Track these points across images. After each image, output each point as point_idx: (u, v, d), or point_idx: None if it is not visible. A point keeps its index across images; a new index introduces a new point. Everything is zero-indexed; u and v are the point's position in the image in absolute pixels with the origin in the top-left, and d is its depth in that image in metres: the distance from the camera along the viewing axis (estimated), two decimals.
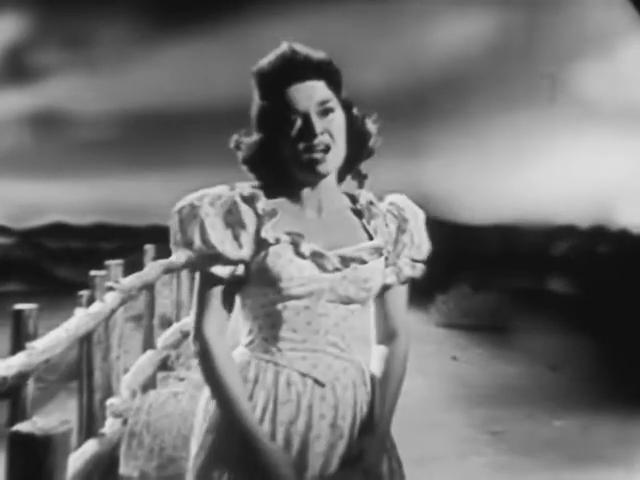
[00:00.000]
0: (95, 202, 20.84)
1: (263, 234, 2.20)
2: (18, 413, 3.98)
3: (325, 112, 2.21)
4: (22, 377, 3.98)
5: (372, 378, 2.35)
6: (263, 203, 2.23)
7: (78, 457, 4.97)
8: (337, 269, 2.22)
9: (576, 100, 20.01)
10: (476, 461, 6.32)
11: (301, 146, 2.18)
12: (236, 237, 2.20)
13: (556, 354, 10.77)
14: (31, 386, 4.23)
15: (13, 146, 21.34)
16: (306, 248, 2.21)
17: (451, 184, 19.68)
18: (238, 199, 2.22)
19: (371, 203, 2.34)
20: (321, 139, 2.18)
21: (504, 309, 13.18)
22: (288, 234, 2.21)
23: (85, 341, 5.71)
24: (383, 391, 2.34)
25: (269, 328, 2.24)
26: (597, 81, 19.14)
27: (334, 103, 2.23)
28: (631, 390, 8.75)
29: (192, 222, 2.19)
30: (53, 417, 1.76)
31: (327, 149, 2.20)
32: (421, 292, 11.91)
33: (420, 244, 2.39)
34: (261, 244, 2.20)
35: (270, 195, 2.25)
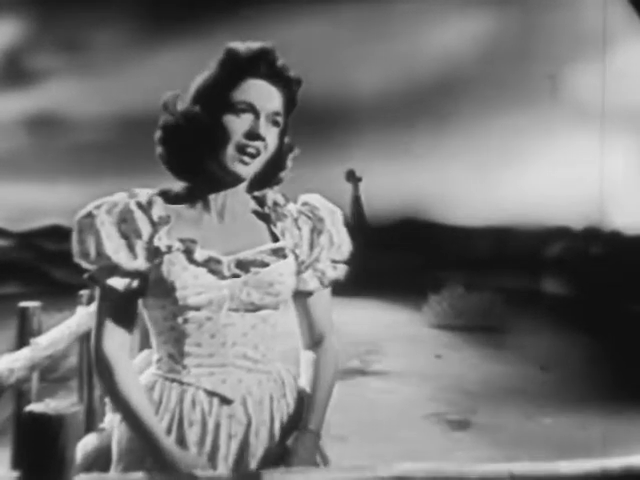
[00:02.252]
0: None
1: (156, 242, 2.09)
2: (23, 404, 4.11)
3: (273, 123, 2.12)
4: (27, 370, 4.13)
5: (298, 388, 2.23)
6: (159, 209, 2.12)
7: (79, 450, 5.09)
8: (235, 275, 2.10)
9: (570, 101, 20.08)
10: (463, 456, 6.42)
11: (237, 140, 2.09)
12: (131, 247, 2.09)
13: (548, 354, 10.84)
14: (35, 379, 4.38)
15: (11, 149, 21.40)
16: (200, 254, 2.09)
17: (445, 185, 19.72)
18: (134, 206, 2.11)
19: (276, 204, 2.23)
20: (258, 144, 2.10)
21: (497, 309, 13.23)
22: (181, 241, 2.09)
23: (86, 339, 5.85)
24: (313, 395, 2.20)
25: (173, 343, 2.12)
26: (592, 82, 19.18)
27: (281, 121, 2.15)
28: (620, 389, 8.83)
29: (89, 232, 2.09)
30: (64, 400, 1.81)
31: (257, 154, 2.10)
32: (415, 292, 11.96)
33: (340, 244, 2.26)
34: (155, 253, 2.08)
35: (170, 200, 2.15)
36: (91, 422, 5.85)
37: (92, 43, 21.98)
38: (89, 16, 21.03)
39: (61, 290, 11.81)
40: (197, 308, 2.08)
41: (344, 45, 20.32)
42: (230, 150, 2.08)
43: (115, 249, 2.07)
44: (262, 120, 2.10)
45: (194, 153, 2.13)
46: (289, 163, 2.22)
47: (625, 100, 18.22)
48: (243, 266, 2.11)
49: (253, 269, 2.12)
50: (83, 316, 5.60)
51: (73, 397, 6.40)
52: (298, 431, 2.14)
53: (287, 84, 2.15)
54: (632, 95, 18.24)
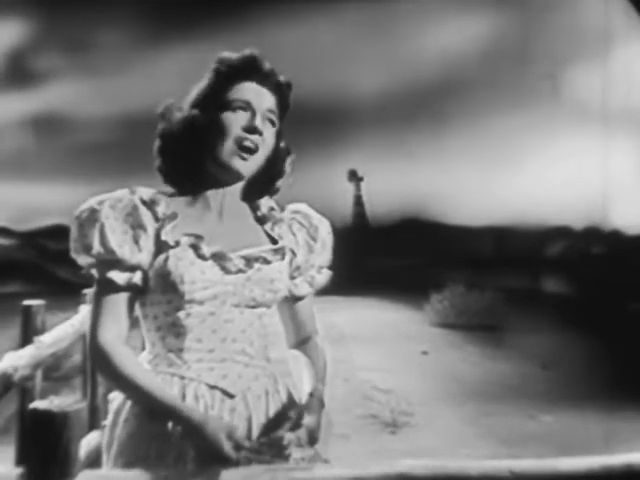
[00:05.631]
0: None
1: (163, 236, 2.12)
2: (27, 402, 4.15)
3: (269, 121, 2.20)
4: (31, 368, 4.16)
5: (289, 385, 2.26)
6: (163, 207, 2.16)
7: (82, 447, 5.13)
8: (240, 270, 2.16)
9: (571, 101, 20.09)
10: (465, 453, 6.46)
11: (235, 134, 2.16)
12: (136, 240, 2.12)
13: (548, 352, 10.87)
14: (39, 377, 4.42)
15: (14, 149, 21.45)
16: (207, 250, 2.14)
17: (447, 185, 19.75)
18: (138, 202, 2.15)
19: (272, 209, 2.31)
20: (256, 138, 2.16)
21: (498, 308, 13.29)
22: (188, 236, 2.14)
23: None
24: (313, 370, 2.28)
25: (173, 339, 2.14)
26: (593, 82, 19.19)
27: (276, 121, 2.22)
28: (621, 387, 8.85)
29: (92, 226, 2.11)
30: (68, 398, 1.83)
31: (255, 149, 2.17)
32: (416, 291, 11.98)
33: (329, 251, 2.36)
34: (161, 247, 2.12)
35: (171, 200, 2.20)
36: (94, 420, 5.87)
37: (95, 44, 22.02)
38: (92, 17, 21.07)
39: (64, 289, 11.85)
40: (201, 302, 2.11)
41: (345, 45, 20.35)
42: (229, 145, 2.15)
43: (119, 243, 2.10)
44: (258, 117, 2.17)
45: (194, 158, 2.19)
46: (287, 168, 2.29)
47: (626, 100, 18.24)
48: (249, 262, 2.17)
49: (257, 265, 2.18)
50: (86, 315, 5.63)
51: (77, 395, 6.44)
52: (306, 398, 2.19)
53: (277, 87, 2.23)
54: (633, 95, 18.26)
